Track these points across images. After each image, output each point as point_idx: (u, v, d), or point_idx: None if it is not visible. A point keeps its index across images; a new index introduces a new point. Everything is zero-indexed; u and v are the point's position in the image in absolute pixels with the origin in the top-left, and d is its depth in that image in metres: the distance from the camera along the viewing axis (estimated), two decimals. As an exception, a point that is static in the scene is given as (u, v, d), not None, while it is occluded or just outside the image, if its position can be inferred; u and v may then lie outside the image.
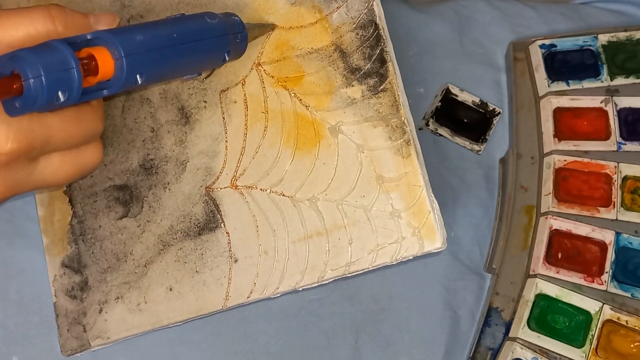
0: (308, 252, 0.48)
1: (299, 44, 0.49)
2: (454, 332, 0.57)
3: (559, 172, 0.57)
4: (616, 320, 0.53)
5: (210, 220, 0.50)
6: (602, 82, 0.58)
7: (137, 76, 0.38)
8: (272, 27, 0.49)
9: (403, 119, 0.47)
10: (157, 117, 0.52)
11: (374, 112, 0.47)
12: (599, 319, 0.53)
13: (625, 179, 0.56)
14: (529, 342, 0.53)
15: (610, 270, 0.54)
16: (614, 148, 0.56)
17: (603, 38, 0.59)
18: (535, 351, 0.53)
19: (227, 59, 0.46)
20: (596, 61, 0.58)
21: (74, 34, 0.38)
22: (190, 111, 0.51)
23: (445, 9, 0.64)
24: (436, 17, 0.63)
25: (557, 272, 0.54)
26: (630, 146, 0.56)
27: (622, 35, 0.59)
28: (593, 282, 0.54)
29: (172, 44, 0.40)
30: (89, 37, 0.37)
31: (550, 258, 0.55)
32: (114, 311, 0.52)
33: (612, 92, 0.58)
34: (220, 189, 0.50)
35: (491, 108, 0.60)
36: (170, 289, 0.51)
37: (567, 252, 0.55)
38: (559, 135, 0.57)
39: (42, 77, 0.34)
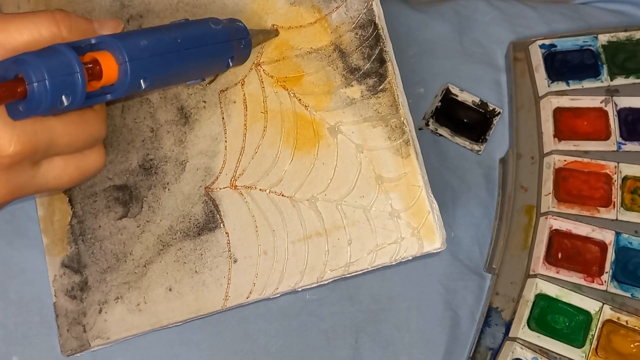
0: (307, 252, 0.48)
1: (298, 44, 0.49)
2: (454, 332, 0.57)
3: (559, 172, 0.57)
4: (616, 320, 0.53)
5: (209, 221, 0.50)
6: (602, 82, 0.58)
7: (141, 81, 0.38)
8: (276, 33, 0.49)
9: (402, 119, 0.47)
10: (156, 117, 0.52)
11: (373, 112, 0.47)
12: (599, 319, 0.53)
13: (625, 179, 0.56)
14: (529, 342, 0.53)
15: (610, 270, 0.54)
16: (614, 148, 0.56)
17: (603, 38, 0.59)
18: (535, 351, 0.53)
19: (230, 64, 0.46)
20: (596, 61, 0.58)
21: (78, 38, 0.38)
22: (190, 111, 0.51)
23: (445, 9, 0.64)
24: (436, 17, 0.63)
25: (557, 272, 0.54)
26: (630, 146, 0.56)
27: (622, 35, 0.59)
28: (593, 282, 0.54)
29: (176, 49, 0.40)
30: (93, 41, 0.37)
31: (550, 258, 0.55)
32: (114, 311, 0.52)
33: (612, 92, 0.58)
34: (220, 189, 0.50)
35: (491, 108, 0.60)
36: (170, 289, 0.51)
37: (567, 252, 0.55)
38: (559, 135, 0.57)
39: (46, 81, 0.34)
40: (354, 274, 0.47)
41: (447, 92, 0.61)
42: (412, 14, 0.63)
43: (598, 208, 0.55)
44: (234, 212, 0.50)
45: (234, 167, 0.50)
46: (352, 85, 0.48)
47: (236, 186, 0.50)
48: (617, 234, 0.54)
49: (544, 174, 0.57)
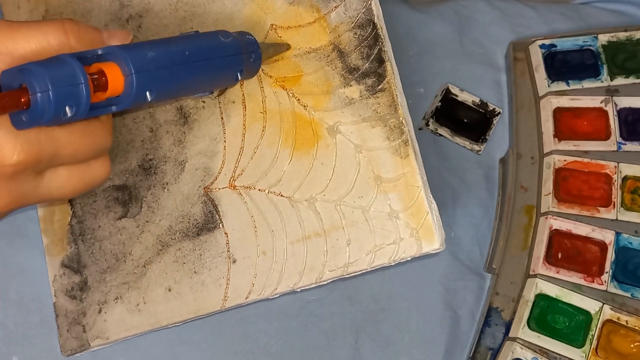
0: (306, 252, 0.48)
1: (297, 44, 0.49)
2: (454, 332, 0.57)
3: (559, 172, 0.56)
4: (616, 320, 0.53)
5: (208, 221, 0.50)
6: (602, 82, 0.58)
7: (147, 93, 0.38)
8: (287, 46, 0.49)
9: (401, 119, 0.47)
10: (156, 117, 0.52)
11: (372, 112, 0.47)
12: (599, 319, 0.53)
13: (625, 179, 0.56)
14: (529, 342, 0.53)
15: (610, 270, 0.54)
16: (614, 148, 0.56)
17: (603, 38, 0.59)
18: (535, 351, 0.53)
19: (239, 78, 0.45)
20: (596, 61, 0.58)
21: (86, 48, 0.38)
22: (189, 111, 0.51)
23: (445, 9, 0.64)
24: (436, 17, 0.63)
25: (557, 272, 0.54)
26: (630, 146, 0.56)
27: (622, 35, 0.59)
28: (593, 282, 0.54)
29: (184, 61, 0.40)
30: (100, 52, 0.37)
31: (550, 258, 0.55)
32: (114, 311, 0.52)
33: (612, 92, 0.58)
34: (219, 189, 0.50)
35: (491, 108, 0.60)
36: (169, 290, 0.51)
37: (567, 252, 0.55)
38: (559, 135, 0.57)
39: (50, 92, 0.34)
40: (352, 274, 0.47)
41: (447, 92, 0.61)
42: (412, 14, 0.63)
43: (598, 208, 0.55)
44: (233, 213, 0.50)
45: (233, 167, 0.50)
46: (350, 85, 0.48)
47: (235, 186, 0.50)
48: (617, 234, 0.54)
49: (544, 174, 0.57)
